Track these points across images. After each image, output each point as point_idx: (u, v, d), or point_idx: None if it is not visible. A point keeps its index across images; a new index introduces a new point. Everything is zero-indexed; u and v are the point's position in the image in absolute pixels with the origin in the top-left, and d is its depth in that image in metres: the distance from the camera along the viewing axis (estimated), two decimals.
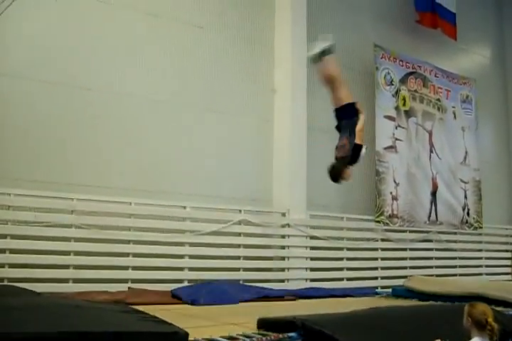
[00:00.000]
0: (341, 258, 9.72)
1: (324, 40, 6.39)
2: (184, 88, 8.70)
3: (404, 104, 11.18)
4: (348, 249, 9.81)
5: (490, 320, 4.37)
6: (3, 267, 6.71)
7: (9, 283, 6.51)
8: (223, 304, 7.06)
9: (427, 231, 11.16)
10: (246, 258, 8.63)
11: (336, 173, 6.30)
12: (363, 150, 6.27)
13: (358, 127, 6.25)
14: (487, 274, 12.09)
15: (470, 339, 4.44)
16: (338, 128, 6.48)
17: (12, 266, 6.78)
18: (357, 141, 6.18)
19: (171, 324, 4.19)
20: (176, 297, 7.26)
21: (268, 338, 4.58)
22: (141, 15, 8.41)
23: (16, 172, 7.11)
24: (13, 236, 6.85)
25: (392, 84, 11.01)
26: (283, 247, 9.15)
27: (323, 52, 6.31)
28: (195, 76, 8.83)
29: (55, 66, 7.61)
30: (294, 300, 7.93)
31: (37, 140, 7.38)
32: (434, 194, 11.45)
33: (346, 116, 6.41)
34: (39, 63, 7.52)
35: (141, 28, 8.41)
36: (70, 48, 7.79)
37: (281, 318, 4.89)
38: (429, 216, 11.26)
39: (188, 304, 6.98)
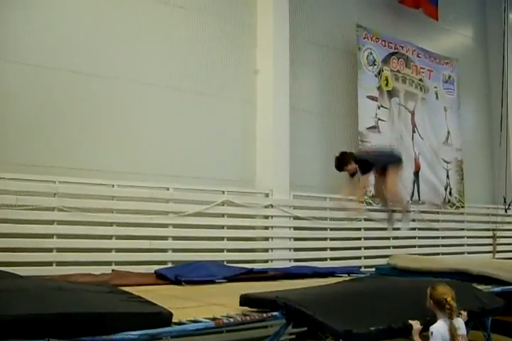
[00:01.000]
0: (325, 238, 9.76)
1: None
2: (165, 70, 8.62)
3: (386, 84, 11.18)
4: (332, 229, 9.86)
5: (449, 299, 4.45)
6: None
7: None
8: (207, 280, 7.10)
9: (410, 211, 11.20)
10: (229, 239, 8.63)
11: (339, 162, 7.14)
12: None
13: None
14: (469, 253, 12.24)
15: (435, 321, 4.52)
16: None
17: None
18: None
19: (154, 304, 4.20)
20: (160, 276, 7.27)
21: (252, 318, 4.60)
22: None
23: None
24: None
25: (375, 65, 11.00)
26: (266, 228, 9.17)
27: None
28: (176, 57, 8.75)
29: (49, 50, 7.57)
30: (278, 277, 7.92)
31: (18, 123, 7.29)
32: (416, 174, 11.51)
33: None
34: (36, 48, 7.46)
35: (123, 11, 8.31)
36: (68, 35, 7.73)
37: (264, 296, 4.90)
38: (412, 196, 11.32)
39: (173, 284, 7.00)
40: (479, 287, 6.39)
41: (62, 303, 3.74)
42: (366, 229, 10.42)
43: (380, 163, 7.13)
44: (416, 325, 4.55)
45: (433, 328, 4.43)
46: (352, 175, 7.17)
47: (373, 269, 9.00)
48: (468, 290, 5.76)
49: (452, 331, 4.38)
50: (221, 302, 5.36)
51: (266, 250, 9.12)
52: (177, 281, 7.04)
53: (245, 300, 4.86)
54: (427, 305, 4.61)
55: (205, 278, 7.18)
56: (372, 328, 4.33)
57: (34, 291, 4.04)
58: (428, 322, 4.64)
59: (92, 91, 7.92)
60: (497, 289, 6.67)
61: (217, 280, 7.37)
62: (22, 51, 7.41)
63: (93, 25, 8.03)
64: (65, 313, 3.52)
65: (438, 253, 11.53)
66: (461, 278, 6.57)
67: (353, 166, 7.05)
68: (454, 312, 4.43)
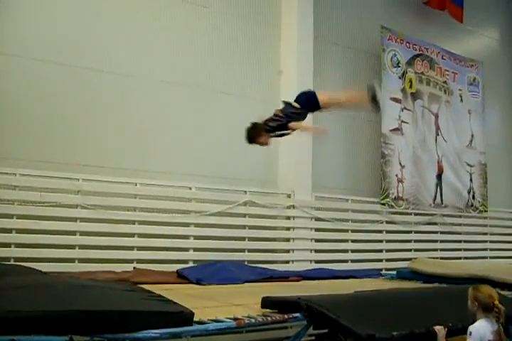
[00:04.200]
0: (346, 240, 9.73)
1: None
2: (189, 69, 8.65)
3: (410, 87, 11.12)
4: (353, 231, 9.81)
5: (497, 302, 4.41)
6: (10, 246, 6.74)
7: (15, 263, 6.55)
8: (228, 284, 7.11)
9: (432, 214, 11.15)
10: (251, 239, 8.63)
11: (253, 134, 6.41)
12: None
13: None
14: (491, 258, 12.09)
15: (474, 321, 4.46)
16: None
17: (18, 245, 6.79)
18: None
19: (176, 303, 4.21)
20: (182, 276, 7.29)
21: (273, 318, 4.60)
22: None
23: (21, 153, 7.11)
24: (19, 216, 6.86)
25: (399, 66, 10.94)
26: (288, 228, 9.15)
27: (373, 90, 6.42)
28: (200, 57, 8.78)
29: (65, 47, 7.59)
30: (299, 281, 7.96)
31: (43, 120, 7.36)
32: (439, 177, 11.42)
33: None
34: (49, 44, 7.50)
35: (148, 9, 8.36)
36: (83, 30, 7.78)
37: (286, 298, 4.91)
38: (435, 199, 11.24)
39: (194, 283, 7.02)
40: (502, 293, 6.31)
41: (85, 301, 3.79)
42: (388, 231, 10.36)
43: (298, 117, 6.49)
44: (441, 331, 4.52)
45: (472, 328, 4.37)
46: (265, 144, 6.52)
47: (394, 272, 8.93)
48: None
49: (501, 335, 4.35)
50: (242, 302, 5.36)
51: (287, 251, 9.10)
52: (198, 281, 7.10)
53: (267, 302, 4.87)
54: (469, 306, 4.55)
55: (226, 282, 7.20)
56: (395, 333, 4.31)
57: (58, 288, 4.09)
58: (451, 327, 4.61)
59: (118, 90, 7.98)
60: None
61: None
62: (60, 51, 7.51)
63: (117, 23, 8.10)
64: (88, 311, 3.56)
65: (460, 258, 11.43)
66: (481, 283, 6.49)
67: (265, 138, 6.42)
68: (502, 316, 4.39)
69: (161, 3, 8.49)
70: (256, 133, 6.39)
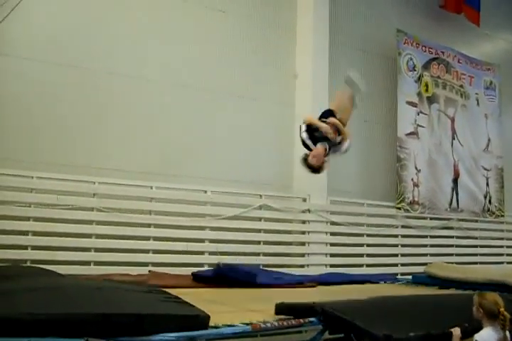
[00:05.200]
0: (361, 245, 9.69)
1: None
2: (205, 73, 8.67)
3: (426, 90, 11.08)
4: (368, 235, 9.79)
5: (502, 309, 4.35)
6: (26, 249, 6.78)
7: (32, 265, 6.58)
8: (244, 287, 7.09)
9: (448, 219, 11.09)
10: (266, 243, 8.64)
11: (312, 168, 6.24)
12: (346, 144, 6.39)
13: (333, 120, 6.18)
14: (508, 263, 11.99)
15: (481, 329, 4.42)
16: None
17: (34, 248, 6.83)
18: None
19: (193, 306, 4.20)
20: (197, 279, 7.29)
21: (289, 323, 4.58)
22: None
23: (38, 156, 7.16)
24: (36, 219, 6.91)
25: (415, 70, 10.91)
26: (303, 232, 9.14)
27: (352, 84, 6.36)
28: (217, 60, 8.80)
29: (77, 49, 7.64)
30: (314, 286, 7.92)
31: (60, 123, 7.41)
32: (455, 181, 11.35)
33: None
34: (59, 46, 7.54)
35: (163, 12, 8.39)
36: (93, 32, 7.80)
37: (300, 304, 4.88)
38: (450, 203, 11.18)
39: (209, 287, 6.99)
40: None
41: (102, 303, 3.78)
42: (403, 236, 10.31)
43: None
44: (456, 331, 4.49)
45: (478, 336, 4.33)
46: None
47: (410, 277, 8.88)
48: (508, 302, 5.65)
49: None
50: (257, 308, 5.34)
51: (302, 255, 9.09)
52: (216, 277, 7.12)
53: (281, 308, 4.84)
54: (474, 313, 4.51)
55: (243, 278, 7.16)
56: (412, 334, 4.28)
57: (74, 290, 4.10)
58: (466, 329, 4.57)
59: (130, 92, 8.01)
60: None
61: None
62: (68, 53, 7.55)
63: (131, 25, 8.13)
64: (104, 314, 3.55)
65: (476, 263, 11.34)
66: (498, 289, 6.43)
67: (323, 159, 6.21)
68: (507, 323, 4.34)
69: (176, 6, 8.51)
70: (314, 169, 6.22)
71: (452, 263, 10.11)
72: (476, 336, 4.33)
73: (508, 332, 4.38)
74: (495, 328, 4.36)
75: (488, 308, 4.42)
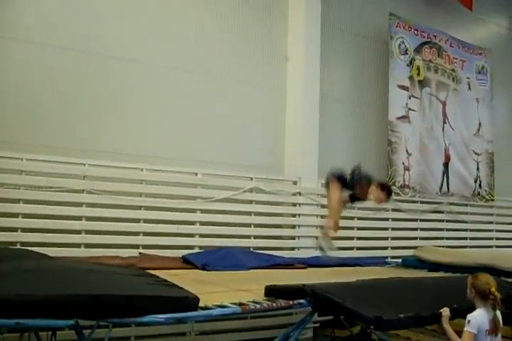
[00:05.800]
0: (352, 228, 9.70)
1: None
2: (197, 55, 8.61)
3: (418, 74, 11.04)
4: (359, 219, 9.79)
5: (493, 289, 4.40)
6: (16, 231, 6.75)
7: (22, 247, 6.57)
8: (234, 270, 7.12)
9: (439, 203, 11.12)
10: (257, 225, 8.64)
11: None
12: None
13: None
14: (498, 246, 12.08)
15: (474, 310, 4.46)
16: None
17: (24, 230, 6.80)
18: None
19: (181, 288, 4.21)
20: (187, 262, 7.31)
21: (279, 304, 4.60)
22: None
23: (28, 138, 7.12)
24: (26, 201, 6.87)
25: (407, 54, 10.86)
26: (294, 215, 9.15)
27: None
28: (205, 43, 8.73)
29: (76, 33, 7.59)
30: (304, 268, 7.97)
31: (50, 105, 7.36)
32: (446, 165, 11.37)
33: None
34: (61, 29, 7.49)
35: None
36: (90, 14, 7.73)
37: (290, 286, 4.90)
38: (441, 187, 11.20)
39: (199, 269, 7.04)
40: (509, 280, 6.29)
41: (91, 285, 3.80)
42: (394, 219, 10.35)
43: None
44: (445, 312, 4.54)
45: (471, 316, 4.37)
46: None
47: (400, 260, 8.94)
48: (501, 284, 5.69)
49: (496, 322, 4.34)
50: (247, 288, 5.37)
51: (293, 237, 9.11)
52: (205, 265, 7.13)
53: (270, 290, 4.86)
54: (468, 294, 4.55)
55: (231, 268, 7.22)
56: (402, 315, 4.32)
57: (64, 272, 4.11)
58: (455, 309, 4.61)
59: (123, 75, 7.95)
60: None
61: None
62: (66, 36, 7.48)
63: (125, 11, 8.07)
64: (94, 295, 3.56)
65: (466, 246, 11.41)
66: (487, 272, 6.47)
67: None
68: (498, 303, 4.38)
69: None
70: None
71: (442, 246, 10.19)
72: (469, 316, 4.39)
73: (498, 312, 4.43)
74: (487, 309, 4.42)
75: (480, 288, 4.47)
